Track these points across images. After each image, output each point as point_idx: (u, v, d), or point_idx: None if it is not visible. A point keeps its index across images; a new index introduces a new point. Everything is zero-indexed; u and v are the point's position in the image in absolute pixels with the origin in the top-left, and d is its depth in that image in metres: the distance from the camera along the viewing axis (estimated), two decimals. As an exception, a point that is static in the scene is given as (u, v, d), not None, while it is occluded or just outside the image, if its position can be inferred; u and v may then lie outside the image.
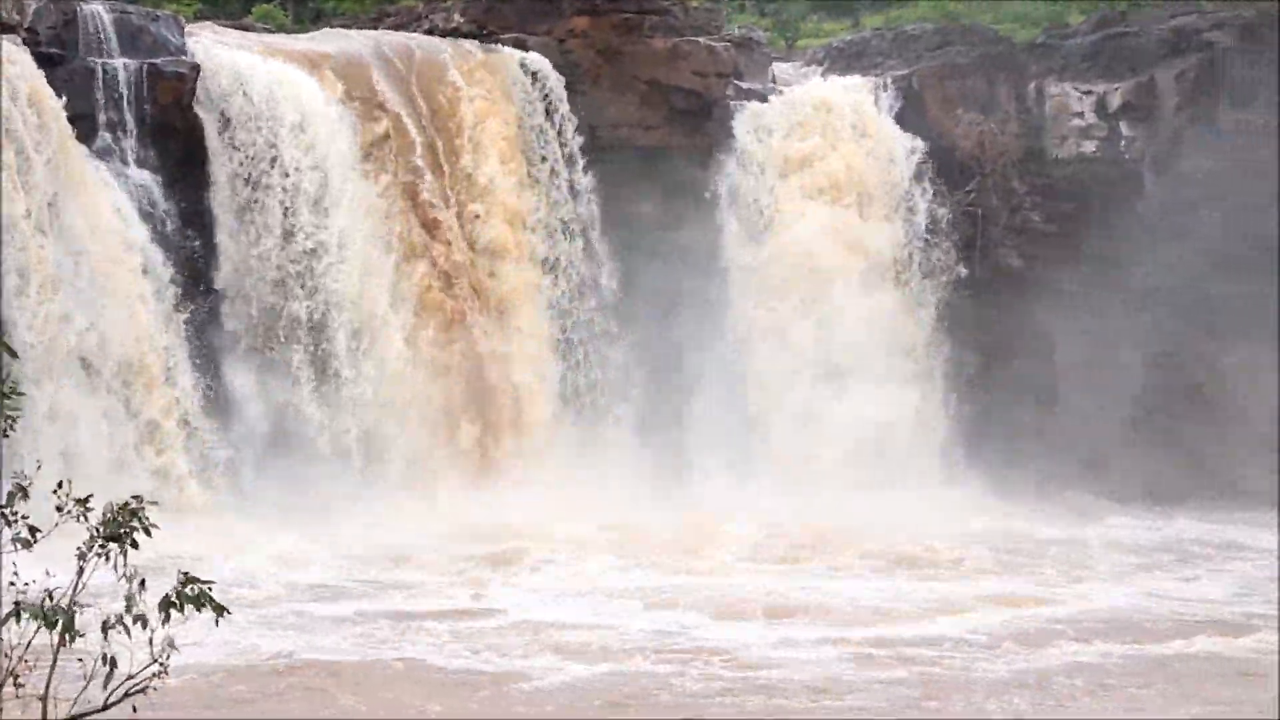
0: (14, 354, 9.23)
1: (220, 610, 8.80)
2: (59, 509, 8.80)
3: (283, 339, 33.17)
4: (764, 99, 38.74)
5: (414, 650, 23.07)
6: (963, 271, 38.23)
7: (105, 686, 8.79)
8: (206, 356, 32.29)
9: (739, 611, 25.70)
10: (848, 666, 22.58)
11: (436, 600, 26.24)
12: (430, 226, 34.81)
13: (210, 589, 8.74)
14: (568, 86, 36.62)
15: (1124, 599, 27.40)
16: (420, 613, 25.20)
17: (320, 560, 28.37)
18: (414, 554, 29.07)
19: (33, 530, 8.82)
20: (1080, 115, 38.63)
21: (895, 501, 33.66)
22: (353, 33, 37.32)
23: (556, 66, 36.63)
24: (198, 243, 32.61)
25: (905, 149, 38.48)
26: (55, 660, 8.85)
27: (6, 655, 8.92)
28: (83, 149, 31.06)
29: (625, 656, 22.81)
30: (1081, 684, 22.07)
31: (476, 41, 36.78)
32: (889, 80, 39.18)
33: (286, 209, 33.20)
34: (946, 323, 37.94)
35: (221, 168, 32.96)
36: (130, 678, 8.86)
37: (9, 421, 9.09)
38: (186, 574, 8.75)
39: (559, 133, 36.45)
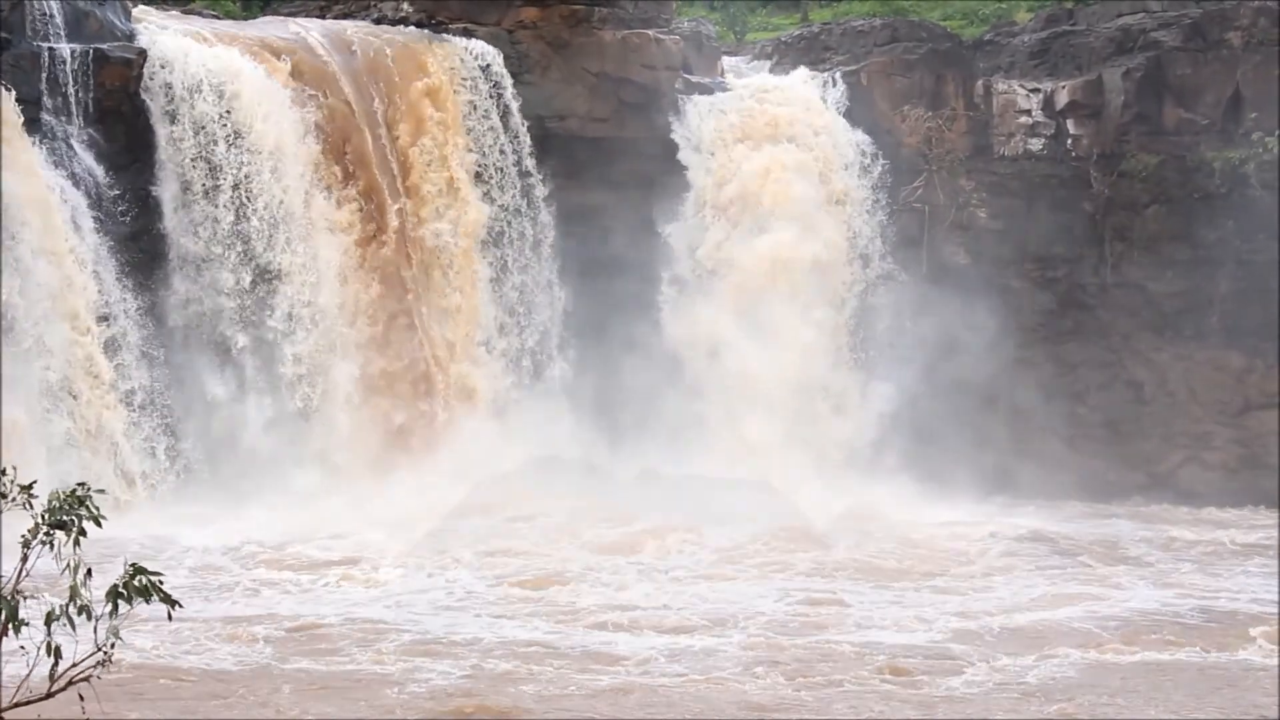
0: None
1: (171, 603, 8.69)
2: (2, 495, 8.73)
3: (227, 324, 33.06)
4: (713, 92, 38.85)
5: (276, 648, 22.10)
6: (908, 268, 38.30)
7: (50, 675, 8.73)
8: (150, 342, 32.12)
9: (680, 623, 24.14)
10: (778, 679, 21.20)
11: (321, 599, 25.43)
12: (376, 216, 34.69)
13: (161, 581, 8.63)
14: (516, 78, 36.52)
15: (1085, 603, 26.30)
16: (305, 608, 24.41)
17: (216, 549, 27.99)
18: (317, 542, 28.80)
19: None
20: (1027, 113, 38.77)
21: (838, 500, 33.18)
22: (300, 20, 37.16)
23: (505, 57, 36.54)
24: (143, 228, 32.42)
25: (852, 144, 38.58)
26: (-2, 649, 8.79)
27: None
28: (27, 134, 30.82)
29: (511, 662, 21.67)
30: (1064, 691, 20.94)
31: (425, 31, 36.69)
32: (837, 75, 39.27)
33: (233, 195, 33.07)
34: (892, 318, 37.95)
35: (167, 153, 32.79)
36: (74, 665, 8.79)
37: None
38: (135, 565, 8.65)
39: (507, 124, 36.35)
